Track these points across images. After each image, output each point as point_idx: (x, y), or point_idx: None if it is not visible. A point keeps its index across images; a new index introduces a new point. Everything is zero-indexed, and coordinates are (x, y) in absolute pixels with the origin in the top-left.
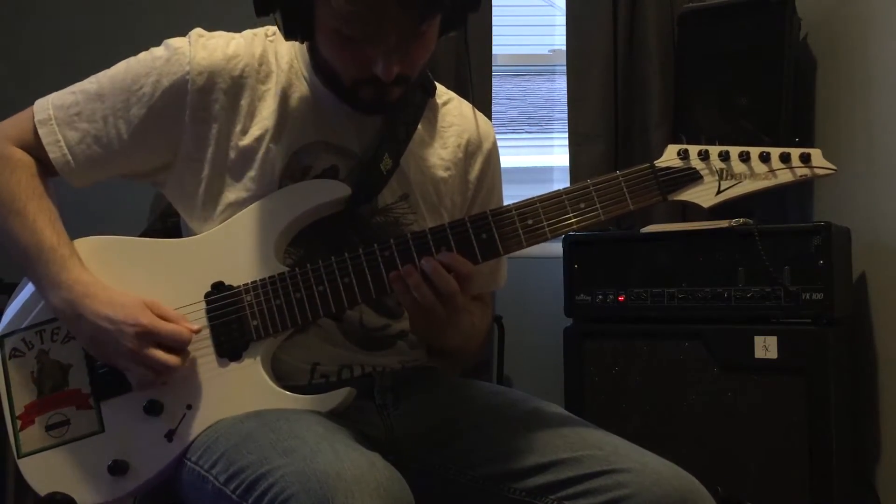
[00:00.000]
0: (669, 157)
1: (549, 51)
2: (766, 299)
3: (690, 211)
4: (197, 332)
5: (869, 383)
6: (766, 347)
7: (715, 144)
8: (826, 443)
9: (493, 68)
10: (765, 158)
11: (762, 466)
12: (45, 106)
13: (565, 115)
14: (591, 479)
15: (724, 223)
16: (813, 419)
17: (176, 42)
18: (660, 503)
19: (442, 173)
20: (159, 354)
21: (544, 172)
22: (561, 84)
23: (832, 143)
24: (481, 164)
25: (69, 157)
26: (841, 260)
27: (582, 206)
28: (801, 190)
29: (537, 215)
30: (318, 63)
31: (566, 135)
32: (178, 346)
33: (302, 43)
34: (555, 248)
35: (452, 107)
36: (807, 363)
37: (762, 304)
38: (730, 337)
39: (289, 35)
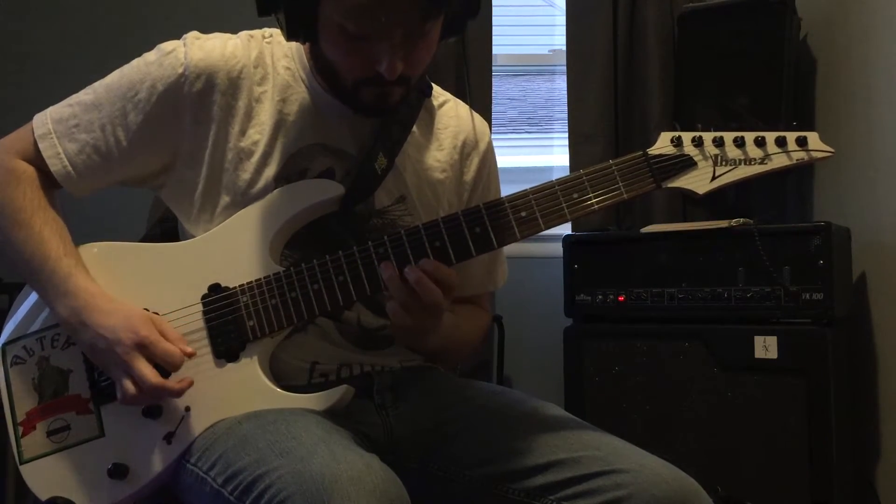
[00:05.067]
0: (663, 144)
1: (549, 51)
2: (766, 299)
3: (690, 211)
4: (191, 356)
5: (869, 383)
6: (766, 347)
7: (710, 131)
8: (826, 443)
9: (493, 68)
10: (760, 143)
11: (762, 466)
12: (44, 120)
13: (565, 115)
14: (590, 479)
15: (724, 223)
16: (813, 419)
17: (168, 46)
18: None
19: (438, 175)
20: (143, 367)
21: (544, 172)
22: (561, 84)
23: (832, 142)
24: (477, 164)
25: (70, 169)
26: (841, 260)
27: (575, 196)
28: (801, 190)
29: (530, 207)
30: (319, 64)
31: (566, 135)
32: (167, 366)
33: (304, 44)
34: (555, 248)
35: (448, 108)
36: (807, 363)
37: (762, 304)
38: (730, 337)
39: (291, 35)
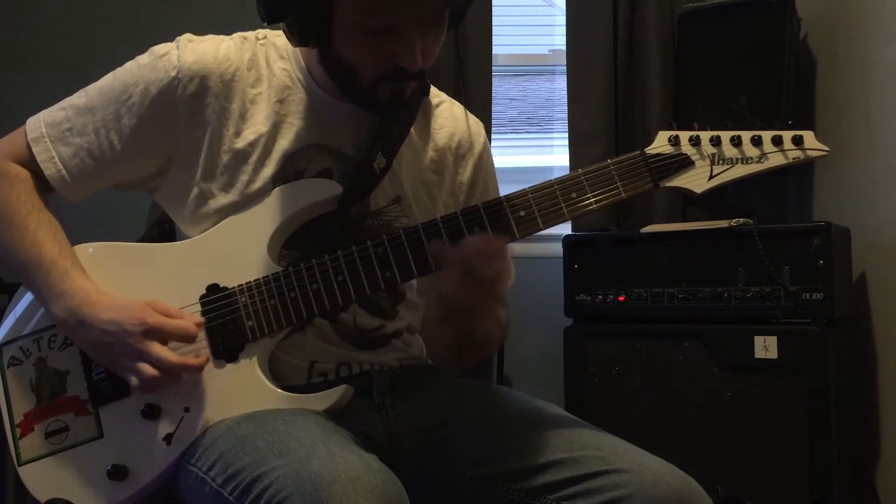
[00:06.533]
0: (660, 143)
1: (549, 51)
2: (766, 299)
3: (690, 211)
4: (198, 324)
5: (869, 383)
6: (766, 347)
7: (707, 130)
8: (826, 443)
9: (493, 68)
10: (756, 142)
11: (762, 466)
12: (37, 124)
13: (565, 115)
14: (590, 479)
15: (724, 223)
16: (813, 419)
17: (161, 48)
18: None
19: (433, 176)
20: (160, 350)
21: (544, 172)
22: (561, 84)
23: (832, 142)
24: (472, 166)
25: (64, 173)
26: (841, 260)
27: (574, 195)
28: (801, 190)
29: (529, 206)
30: (329, 66)
31: (566, 135)
32: (184, 340)
33: (314, 48)
34: (555, 248)
35: (444, 108)
36: (807, 363)
37: (762, 304)
38: (730, 337)
39: (303, 41)
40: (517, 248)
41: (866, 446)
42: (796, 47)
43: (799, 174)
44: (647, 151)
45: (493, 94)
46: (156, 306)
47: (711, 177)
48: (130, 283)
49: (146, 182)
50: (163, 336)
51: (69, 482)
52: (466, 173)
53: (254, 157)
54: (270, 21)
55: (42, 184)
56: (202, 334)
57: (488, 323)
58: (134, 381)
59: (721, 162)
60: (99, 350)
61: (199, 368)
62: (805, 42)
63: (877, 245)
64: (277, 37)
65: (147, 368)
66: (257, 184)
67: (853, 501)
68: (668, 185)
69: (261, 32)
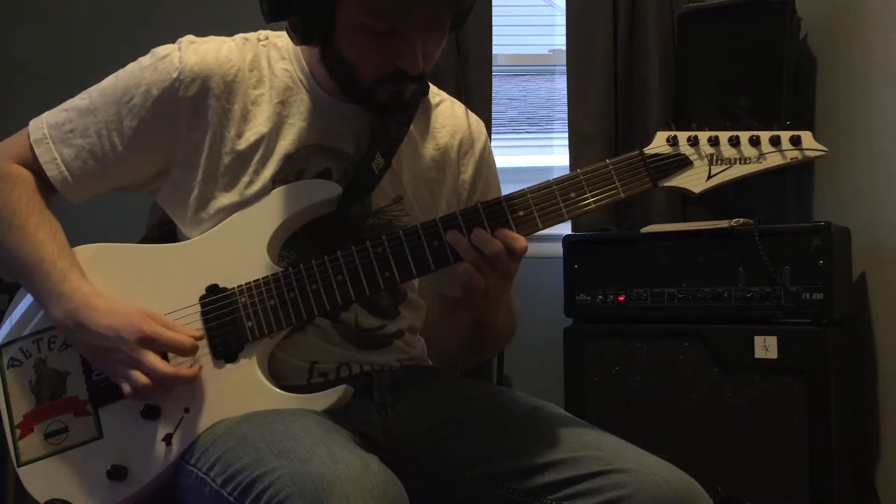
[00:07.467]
0: (659, 143)
1: (549, 51)
2: (766, 299)
3: (690, 211)
4: (199, 339)
5: (869, 383)
6: (766, 347)
7: (705, 130)
8: (826, 443)
9: (493, 68)
10: (755, 142)
11: (762, 466)
12: (40, 125)
13: (565, 115)
14: (590, 479)
15: (724, 223)
16: (813, 419)
17: (163, 50)
18: None
19: (434, 175)
20: (153, 359)
21: (544, 172)
22: (561, 84)
23: (832, 142)
24: (474, 165)
25: (66, 174)
26: (841, 260)
27: (572, 195)
28: (801, 190)
29: (528, 206)
30: (332, 66)
31: (566, 135)
32: (177, 352)
33: (316, 46)
34: (555, 248)
35: (445, 107)
36: (807, 363)
37: (762, 304)
38: (730, 337)
39: (305, 39)
40: None
41: (866, 446)
42: (796, 47)
43: (799, 174)
44: (646, 151)
45: (493, 94)
46: (155, 317)
47: (710, 177)
48: (130, 284)
49: (148, 183)
50: (157, 347)
51: (69, 483)
52: (468, 171)
53: (255, 158)
54: (274, 18)
55: (44, 185)
56: (202, 335)
57: (503, 307)
58: (127, 388)
59: (719, 162)
60: (95, 354)
61: (192, 379)
62: (805, 42)
63: (877, 245)
64: (279, 38)
65: (140, 377)
66: (257, 184)
67: (853, 501)
68: (666, 184)
69: (262, 33)
